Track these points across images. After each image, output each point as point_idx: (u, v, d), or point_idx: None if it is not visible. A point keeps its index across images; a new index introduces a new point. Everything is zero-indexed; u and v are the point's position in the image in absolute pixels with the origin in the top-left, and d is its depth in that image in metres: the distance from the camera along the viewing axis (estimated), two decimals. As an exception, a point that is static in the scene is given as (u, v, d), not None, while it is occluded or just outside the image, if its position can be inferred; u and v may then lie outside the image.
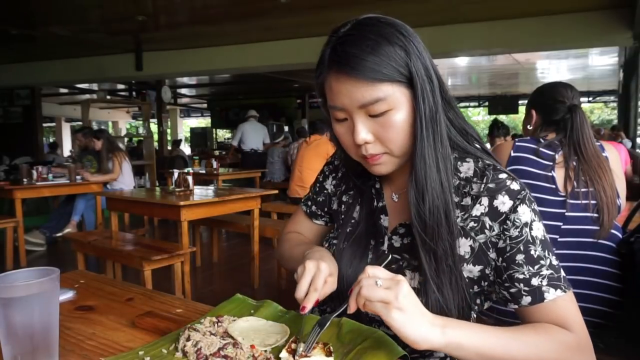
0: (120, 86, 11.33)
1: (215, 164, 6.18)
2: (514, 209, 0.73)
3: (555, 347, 0.67)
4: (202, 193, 3.42)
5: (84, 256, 3.33)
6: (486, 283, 0.78)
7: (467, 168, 0.78)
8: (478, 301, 0.80)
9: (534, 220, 0.74)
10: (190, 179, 3.39)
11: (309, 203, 1.01)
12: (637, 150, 6.33)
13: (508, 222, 0.73)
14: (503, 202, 0.74)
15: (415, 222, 0.74)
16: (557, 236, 1.41)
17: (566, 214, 1.40)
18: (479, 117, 24.19)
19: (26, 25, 6.15)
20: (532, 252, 0.72)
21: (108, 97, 9.45)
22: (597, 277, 1.39)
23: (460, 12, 5.58)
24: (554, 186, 1.43)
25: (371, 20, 0.72)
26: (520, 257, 0.72)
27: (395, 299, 0.62)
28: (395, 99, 0.70)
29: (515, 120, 19.36)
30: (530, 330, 0.69)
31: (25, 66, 8.55)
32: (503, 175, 0.76)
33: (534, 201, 0.76)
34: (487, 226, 0.74)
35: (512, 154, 1.50)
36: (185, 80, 11.66)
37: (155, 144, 8.96)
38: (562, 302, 0.71)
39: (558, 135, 1.51)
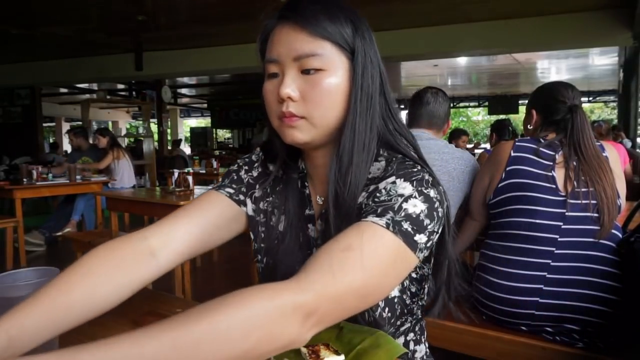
0: (120, 86, 11.34)
1: (215, 164, 6.19)
2: (393, 182, 0.66)
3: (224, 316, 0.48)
4: (202, 193, 3.41)
5: (84, 256, 3.33)
6: None
7: (377, 168, 0.73)
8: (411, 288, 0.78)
9: (415, 197, 0.64)
10: (190, 178, 3.39)
11: (231, 190, 0.83)
12: (637, 150, 6.33)
13: (382, 189, 0.66)
14: (387, 180, 0.67)
15: (331, 197, 0.71)
16: (557, 236, 1.40)
17: (566, 214, 1.40)
18: (479, 117, 24.15)
19: (26, 25, 6.15)
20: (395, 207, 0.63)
21: (108, 97, 9.45)
22: (597, 277, 1.39)
23: (460, 12, 5.58)
24: (554, 186, 1.43)
25: None
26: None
27: None
28: (331, 61, 0.69)
29: (516, 120, 19.38)
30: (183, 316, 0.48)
31: (25, 66, 8.55)
32: (410, 167, 0.69)
33: (431, 189, 0.66)
34: (364, 204, 0.68)
35: (512, 154, 1.50)
36: (185, 80, 11.66)
37: (155, 143, 8.95)
38: (373, 229, 0.60)
39: (558, 135, 1.51)
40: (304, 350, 0.68)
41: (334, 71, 0.69)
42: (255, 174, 0.86)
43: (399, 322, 0.79)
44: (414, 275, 0.79)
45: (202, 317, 0.47)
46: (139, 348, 0.45)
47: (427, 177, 0.68)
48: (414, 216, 0.63)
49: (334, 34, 0.69)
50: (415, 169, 0.69)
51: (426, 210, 0.64)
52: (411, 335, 0.83)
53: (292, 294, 0.51)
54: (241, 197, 0.83)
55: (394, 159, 0.72)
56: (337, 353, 0.68)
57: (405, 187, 0.65)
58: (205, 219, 0.79)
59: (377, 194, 0.66)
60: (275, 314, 0.50)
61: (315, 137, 0.72)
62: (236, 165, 0.88)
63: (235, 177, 0.86)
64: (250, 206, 0.84)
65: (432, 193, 0.66)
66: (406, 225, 0.62)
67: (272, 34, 0.72)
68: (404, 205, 0.63)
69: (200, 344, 0.46)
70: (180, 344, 0.45)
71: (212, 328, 0.47)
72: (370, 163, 0.72)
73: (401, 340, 0.83)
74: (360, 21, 0.73)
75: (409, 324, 0.83)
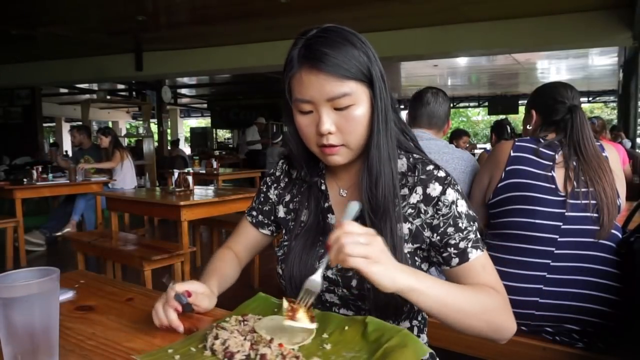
0: (120, 86, 11.33)
1: (215, 164, 6.18)
2: (443, 192, 0.87)
3: (492, 302, 0.81)
4: (202, 193, 3.42)
5: (84, 256, 3.33)
6: (419, 259, 0.91)
7: (401, 164, 0.91)
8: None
9: (459, 199, 0.87)
10: (190, 179, 3.39)
11: (254, 213, 1.08)
12: (637, 150, 6.33)
13: (440, 203, 0.87)
14: (434, 189, 0.87)
15: (366, 206, 0.85)
16: (557, 236, 1.41)
17: (566, 214, 1.40)
18: (479, 117, 24.10)
19: (26, 25, 6.15)
20: (460, 224, 0.86)
21: (108, 97, 9.44)
22: (597, 277, 1.39)
23: (460, 12, 5.58)
24: (554, 186, 1.43)
25: (336, 28, 0.83)
26: (451, 230, 0.86)
27: (374, 254, 0.69)
28: (358, 96, 0.81)
29: (516, 120, 19.36)
30: (473, 287, 0.83)
31: (25, 66, 8.54)
32: (430, 167, 0.89)
33: (457, 183, 0.89)
34: (422, 210, 0.88)
35: (512, 154, 1.50)
36: (185, 80, 11.65)
37: (155, 143, 8.95)
38: (482, 259, 0.86)
39: (558, 135, 1.51)
40: (285, 304, 0.74)
41: (361, 103, 0.82)
42: (283, 184, 1.04)
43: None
44: (422, 254, 0.91)
45: (476, 294, 0.81)
46: (447, 290, 0.77)
47: (449, 176, 0.88)
48: (467, 213, 0.87)
49: (356, 73, 0.80)
50: (435, 170, 0.88)
51: (465, 202, 0.88)
52: (415, 322, 0.97)
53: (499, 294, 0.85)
54: (260, 217, 1.07)
55: (410, 157, 0.91)
56: (312, 320, 0.72)
57: (450, 194, 0.87)
58: (242, 239, 1.10)
59: (438, 207, 0.86)
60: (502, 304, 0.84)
61: (351, 157, 0.87)
62: (264, 186, 1.07)
63: (263, 198, 1.07)
64: (282, 210, 1.03)
65: (459, 187, 0.89)
66: (476, 237, 0.87)
67: (298, 76, 0.81)
68: (459, 209, 0.86)
69: (473, 307, 0.79)
70: (467, 301, 0.79)
71: (479, 301, 0.80)
72: (396, 164, 0.87)
73: (406, 324, 0.95)
74: (366, 45, 0.83)
75: (415, 308, 0.95)
